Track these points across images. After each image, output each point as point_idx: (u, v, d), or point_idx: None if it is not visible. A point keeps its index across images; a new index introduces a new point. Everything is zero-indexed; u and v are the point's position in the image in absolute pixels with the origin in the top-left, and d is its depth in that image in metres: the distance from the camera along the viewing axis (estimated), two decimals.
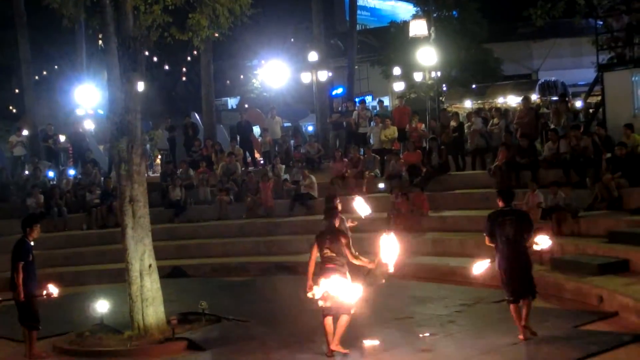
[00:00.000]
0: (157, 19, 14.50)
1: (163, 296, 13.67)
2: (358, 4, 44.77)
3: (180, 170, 25.52)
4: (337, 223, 11.75)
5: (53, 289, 12.68)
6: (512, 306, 11.65)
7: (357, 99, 31.47)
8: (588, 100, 26.88)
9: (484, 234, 11.81)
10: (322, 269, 11.17)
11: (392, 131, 24.23)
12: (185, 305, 14.98)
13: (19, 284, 12.24)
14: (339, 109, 28.61)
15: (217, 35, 17.40)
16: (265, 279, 18.95)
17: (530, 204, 17.24)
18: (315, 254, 11.30)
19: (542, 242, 11.84)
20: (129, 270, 13.34)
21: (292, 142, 28.12)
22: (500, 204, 11.78)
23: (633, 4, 21.50)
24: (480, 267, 12.18)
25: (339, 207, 12.54)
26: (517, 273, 11.48)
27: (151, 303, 13.32)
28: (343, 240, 11.22)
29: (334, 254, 11.12)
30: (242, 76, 59.57)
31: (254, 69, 57.35)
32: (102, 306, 14.11)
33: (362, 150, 25.07)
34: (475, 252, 17.33)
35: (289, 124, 38.27)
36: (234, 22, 16.00)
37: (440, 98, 28.92)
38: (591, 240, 16.12)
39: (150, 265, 13.43)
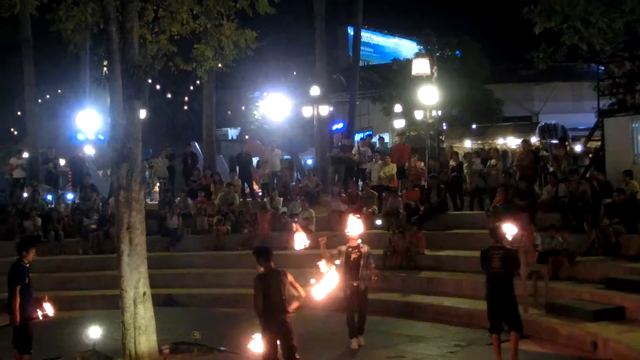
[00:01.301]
0: (163, 48, 14.63)
1: (156, 325, 13.61)
2: (362, 40, 45.01)
3: (179, 199, 25.53)
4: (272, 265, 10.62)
5: (49, 309, 12.54)
6: (493, 336, 12.10)
7: (357, 134, 31.48)
8: (588, 145, 26.96)
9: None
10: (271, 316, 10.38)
11: (391, 168, 24.26)
12: (178, 334, 14.89)
13: (15, 309, 12.08)
14: (339, 143, 28.61)
15: (220, 66, 17.52)
16: None
17: (525, 245, 16.61)
18: (261, 297, 10.33)
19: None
20: (123, 298, 13.29)
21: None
22: (492, 241, 12.31)
23: (635, 51, 21.65)
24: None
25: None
26: (501, 305, 11.93)
27: (144, 331, 13.26)
28: (287, 279, 10.55)
29: (279, 299, 10.38)
30: (243, 107, 59.73)
31: (256, 100, 57.53)
32: (94, 332, 14.05)
33: (360, 185, 25.08)
34: (470, 293, 17.37)
35: (288, 157, 38.29)
36: (238, 55, 16.13)
37: (440, 137, 28.96)
38: (587, 286, 16.06)
39: (144, 293, 13.39)
